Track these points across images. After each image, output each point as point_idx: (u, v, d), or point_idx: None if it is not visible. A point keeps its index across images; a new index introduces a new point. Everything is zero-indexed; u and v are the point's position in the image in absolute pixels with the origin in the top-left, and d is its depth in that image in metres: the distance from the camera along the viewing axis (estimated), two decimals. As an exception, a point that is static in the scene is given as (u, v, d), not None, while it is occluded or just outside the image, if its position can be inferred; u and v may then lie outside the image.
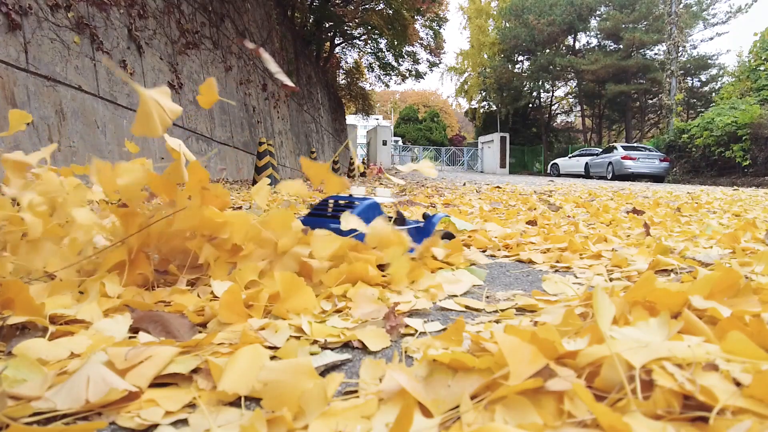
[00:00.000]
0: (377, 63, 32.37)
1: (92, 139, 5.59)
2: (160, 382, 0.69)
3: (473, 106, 40.82)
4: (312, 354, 0.81)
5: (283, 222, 1.23)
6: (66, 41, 5.30)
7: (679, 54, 22.64)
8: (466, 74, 39.43)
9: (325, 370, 0.76)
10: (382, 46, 30.12)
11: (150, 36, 7.21)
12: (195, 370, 0.72)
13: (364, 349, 0.85)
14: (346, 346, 0.88)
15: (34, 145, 4.66)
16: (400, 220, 1.77)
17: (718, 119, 16.52)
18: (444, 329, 0.95)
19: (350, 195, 1.68)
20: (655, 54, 30.06)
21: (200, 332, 0.90)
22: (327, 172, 1.20)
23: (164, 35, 7.69)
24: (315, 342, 0.86)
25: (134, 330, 0.89)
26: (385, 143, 33.32)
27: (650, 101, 32.00)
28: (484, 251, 1.98)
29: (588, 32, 33.12)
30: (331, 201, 1.68)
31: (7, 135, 1.09)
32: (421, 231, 1.81)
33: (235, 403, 0.65)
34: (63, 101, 5.16)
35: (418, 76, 32.68)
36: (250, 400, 0.66)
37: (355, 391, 0.67)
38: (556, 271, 1.64)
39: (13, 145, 4.39)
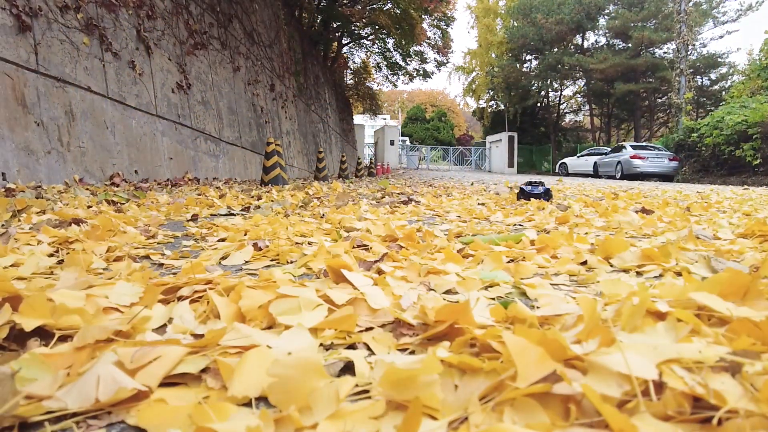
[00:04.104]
0: (385, 63, 32.42)
1: (101, 140, 5.63)
2: (170, 381, 0.70)
3: (481, 106, 40.77)
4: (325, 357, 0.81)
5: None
6: (75, 42, 5.34)
7: (689, 52, 22.47)
8: (473, 73, 39.40)
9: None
10: (389, 45, 30.20)
11: (158, 37, 7.25)
12: (204, 370, 0.72)
13: (369, 351, 0.85)
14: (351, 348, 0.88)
15: (44, 146, 4.71)
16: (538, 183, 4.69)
17: (728, 118, 16.39)
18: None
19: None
20: (665, 52, 29.91)
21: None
22: None
23: (173, 36, 7.73)
24: (321, 345, 0.87)
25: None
26: (392, 143, 33.36)
27: (659, 100, 31.80)
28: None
29: (596, 31, 33.00)
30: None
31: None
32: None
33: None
34: (72, 102, 5.21)
35: (426, 75, 32.69)
36: (259, 399, 0.66)
37: (365, 392, 0.67)
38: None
39: (23, 146, 4.43)
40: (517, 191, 5.34)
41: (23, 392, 0.62)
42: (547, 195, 4.80)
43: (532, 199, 4.65)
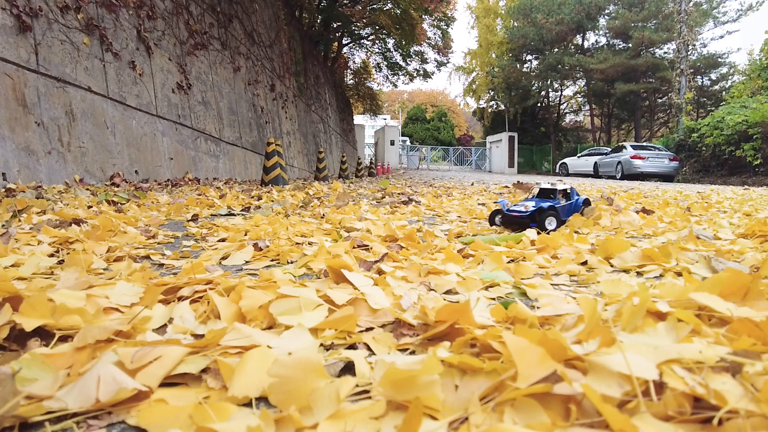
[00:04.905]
0: (385, 63, 32.46)
1: (102, 140, 5.63)
2: (170, 381, 0.70)
3: (481, 106, 40.74)
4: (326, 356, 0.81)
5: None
6: (76, 42, 5.34)
7: (689, 52, 22.46)
8: (474, 74, 39.37)
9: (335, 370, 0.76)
10: (389, 45, 30.24)
11: (159, 37, 7.25)
12: (204, 370, 0.72)
13: (369, 351, 0.85)
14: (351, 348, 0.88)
15: (45, 146, 4.71)
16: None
17: (728, 118, 16.38)
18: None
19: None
20: (665, 53, 29.85)
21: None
22: None
23: (173, 36, 7.73)
24: (321, 345, 0.87)
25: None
26: (393, 143, 33.36)
27: (660, 100, 31.75)
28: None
29: (597, 31, 32.95)
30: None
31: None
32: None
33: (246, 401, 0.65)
34: (73, 102, 5.21)
35: (426, 75, 32.72)
36: (260, 399, 0.66)
37: (366, 392, 0.67)
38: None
39: (24, 146, 4.43)
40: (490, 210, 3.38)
41: (24, 392, 0.62)
42: (542, 216, 2.44)
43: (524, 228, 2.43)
